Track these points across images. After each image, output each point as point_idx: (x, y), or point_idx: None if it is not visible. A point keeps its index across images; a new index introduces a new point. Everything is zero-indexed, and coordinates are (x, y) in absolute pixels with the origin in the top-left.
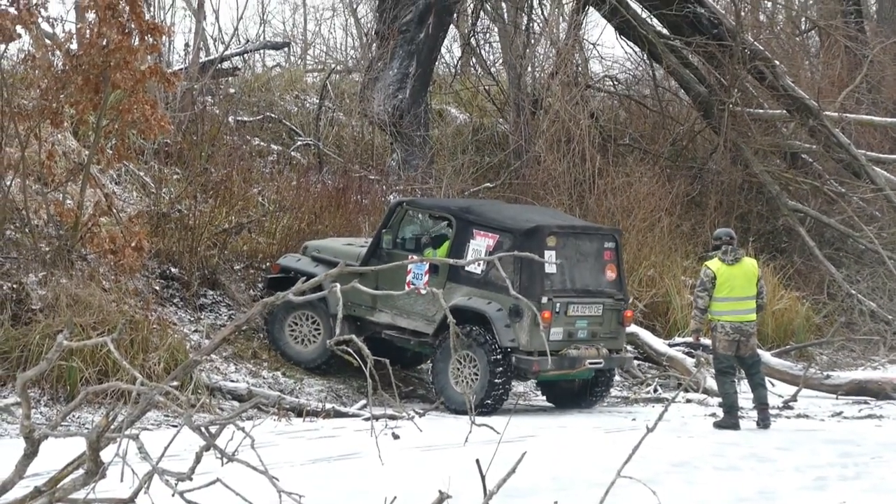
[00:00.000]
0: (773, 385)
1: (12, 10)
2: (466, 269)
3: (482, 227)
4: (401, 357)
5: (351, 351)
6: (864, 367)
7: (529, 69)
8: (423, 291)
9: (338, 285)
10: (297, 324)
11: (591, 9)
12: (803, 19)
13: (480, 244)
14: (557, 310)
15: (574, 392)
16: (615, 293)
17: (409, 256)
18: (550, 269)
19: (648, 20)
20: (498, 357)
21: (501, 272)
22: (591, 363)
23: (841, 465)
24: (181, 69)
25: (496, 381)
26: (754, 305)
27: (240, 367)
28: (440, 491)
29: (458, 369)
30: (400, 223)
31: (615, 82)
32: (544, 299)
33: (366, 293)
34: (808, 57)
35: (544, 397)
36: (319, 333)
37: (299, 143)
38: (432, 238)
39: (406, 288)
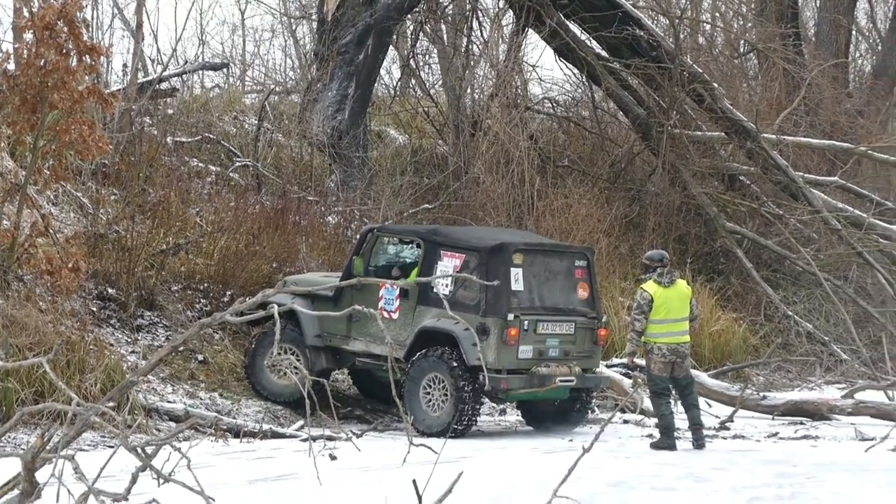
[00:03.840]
0: (709, 406)
1: None
2: (435, 290)
3: (449, 248)
4: (379, 391)
5: (290, 371)
6: (801, 387)
7: (469, 91)
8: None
9: (275, 306)
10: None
11: (531, 31)
12: (742, 42)
13: (448, 265)
14: (526, 327)
15: (553, 414)
16: (588, 311)
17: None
18: (517, 286)
19: (587, 42)
20: (466, 377)
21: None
22: (562, 381)
23: (777, 486)
24: (119, 90)
25: (465, 401)
26: (688, 327)
27: (177, 387)
28: None
29: (429, 391)
30: (371, 250)
31: (554, 104)
32: (510, 316)
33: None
34: (746, 79)
35: (523, 419)
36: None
37: (238, 164)
38: (402, 267)
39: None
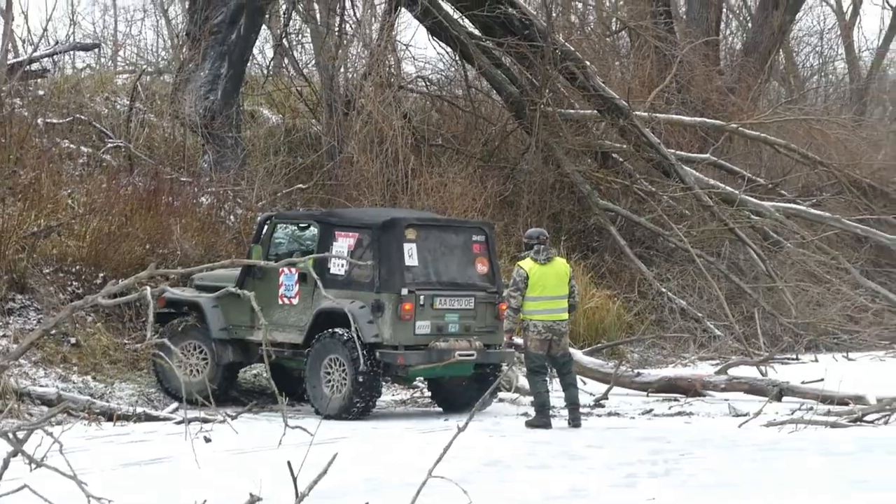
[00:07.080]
0: (584, 383)
1: None
2: (331, 272)
3: (343, 228)
4: (288, 385)
5: (163, 355)
6: (675, 364)
7: (342, 70)
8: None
9: (148, 289)
10: (184, 356)
11: (404, 10)
12: (614, 20)
13: (342, 245)
14: (422, 303)
15: (461, 393)
16: (488, 286)
17: (280, 270)
18: (411, 261)
19: (460, 21)
20: (362, 355)
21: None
22: (461, 355)
23: (651, 462)
24: None
25: (361, 380)
26: (566, 305)
27: (49, 371)
28: (251, 494)
29: (329, 373)
30: (271, 237)
31: (428, 83)
32: (404, 291)
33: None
34: (618, 57)
35: (433, 399)
36: (206, 363)
37: (110, 145)
38: (302, 253)
39: (279, 302)
